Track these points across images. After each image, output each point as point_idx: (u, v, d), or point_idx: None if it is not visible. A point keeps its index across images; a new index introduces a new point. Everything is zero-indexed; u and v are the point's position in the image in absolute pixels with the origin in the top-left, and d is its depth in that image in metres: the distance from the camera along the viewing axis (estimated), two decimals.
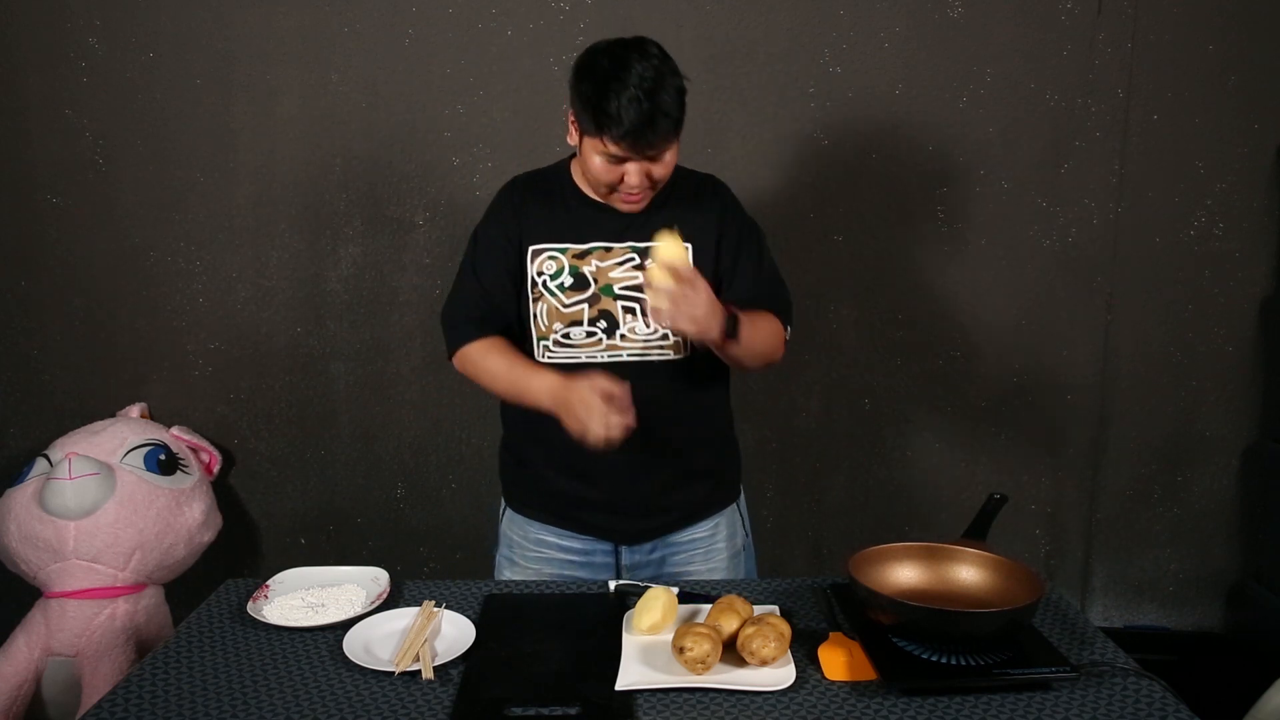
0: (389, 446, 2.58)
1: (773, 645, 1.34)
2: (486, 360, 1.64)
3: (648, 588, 1.50)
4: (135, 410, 2.51)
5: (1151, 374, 2.53)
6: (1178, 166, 2.44)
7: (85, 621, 2.23)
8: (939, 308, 2.50)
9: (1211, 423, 2.56)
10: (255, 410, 2.57)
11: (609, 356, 1.62)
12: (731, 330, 1.52)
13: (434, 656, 1.39)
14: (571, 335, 1.62)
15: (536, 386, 1.57)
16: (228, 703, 1.30)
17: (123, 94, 2.42)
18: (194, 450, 2.47)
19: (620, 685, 1.31)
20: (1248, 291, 2.50)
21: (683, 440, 1.70)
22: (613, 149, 1.49)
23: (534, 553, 1.76)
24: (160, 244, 2.49)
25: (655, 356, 1.63)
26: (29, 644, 2.24)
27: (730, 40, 2.38)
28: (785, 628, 1.38)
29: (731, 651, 1.37)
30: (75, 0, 2.37)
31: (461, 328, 1.67)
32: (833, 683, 1.34)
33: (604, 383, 1.46)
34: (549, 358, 1.64)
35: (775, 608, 1.52)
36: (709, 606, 1.48)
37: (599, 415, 1.44)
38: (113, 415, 2.51)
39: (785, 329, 1.71)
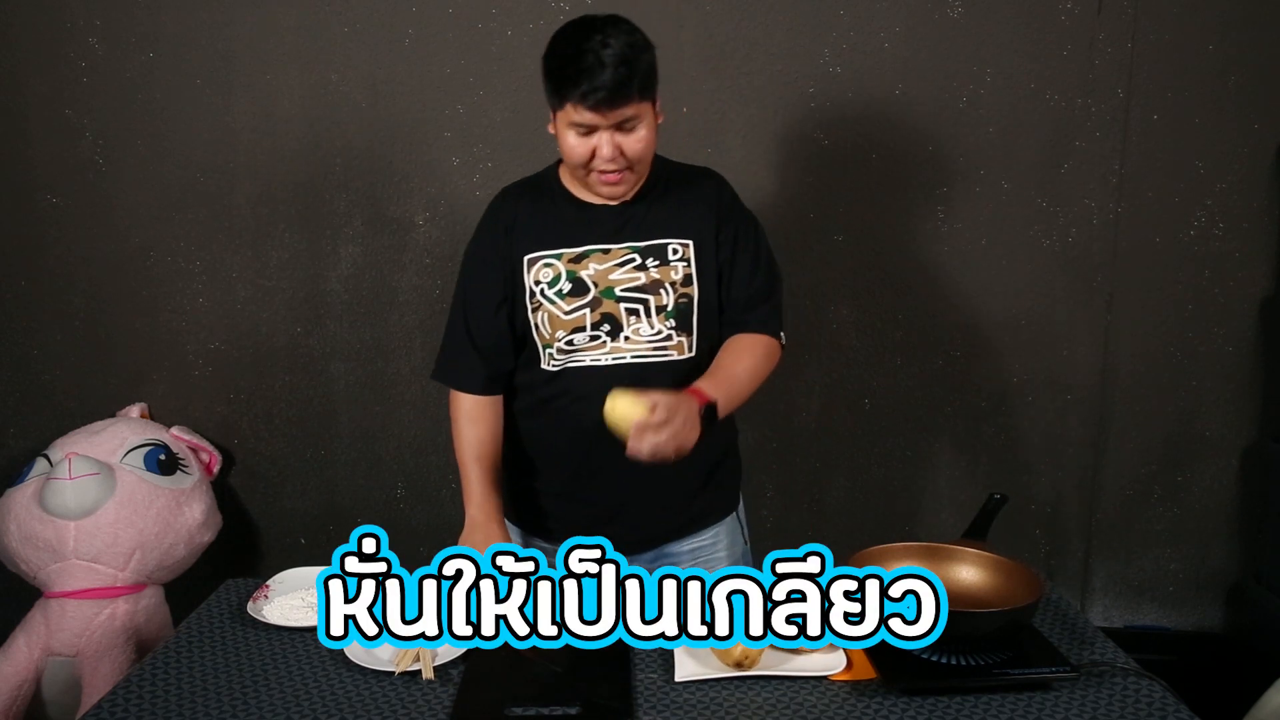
0: (389, 446, 2.58)
1: None
2: (466, 428, 1.65)
3: None
4: (135, 410, 2.51)
5: (1151, 374, 2.53)
6: (1178, 166, 2.43)
7: (85, 621, 2.23)
8: (939, 308, 2.50)
9: (1211, 423, 2.56)
10: (255, 410, 2.57)
11: (613, 359, 1.59)
12: (710, 421, 1.48)
13: (434, 656, 1.39)
14: (575, 341, 1.59)
15: (476, 499, 1.60)
16: (228, 703, 1.30)
17: (123, 94, 2.42)
18: (194, 450, 2.47)
19: (680, 677, 1.34)
20: (1248, 291, 2.49)
21: (667, 482, 1.63)
22: (578, 116, 1.47)
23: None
24: (160, 244, 2.49)
25: (660, 357, 1.60)
26: (29, 644, 2.24)
27: (730, 40, 2.38)
28: None
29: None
30: (75, 0, 2.37)
31: (460, 362, 1.66)
32: (833, 683, 1.34)
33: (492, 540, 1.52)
34: (554, 365, 1.62)
35: None
36: None
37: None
38: (113, 415, 2.51)
39: (779, 335, 1.68)
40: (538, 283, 1.59)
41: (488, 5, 2.36)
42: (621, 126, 1.49)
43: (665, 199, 1.62)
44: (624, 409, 1.41)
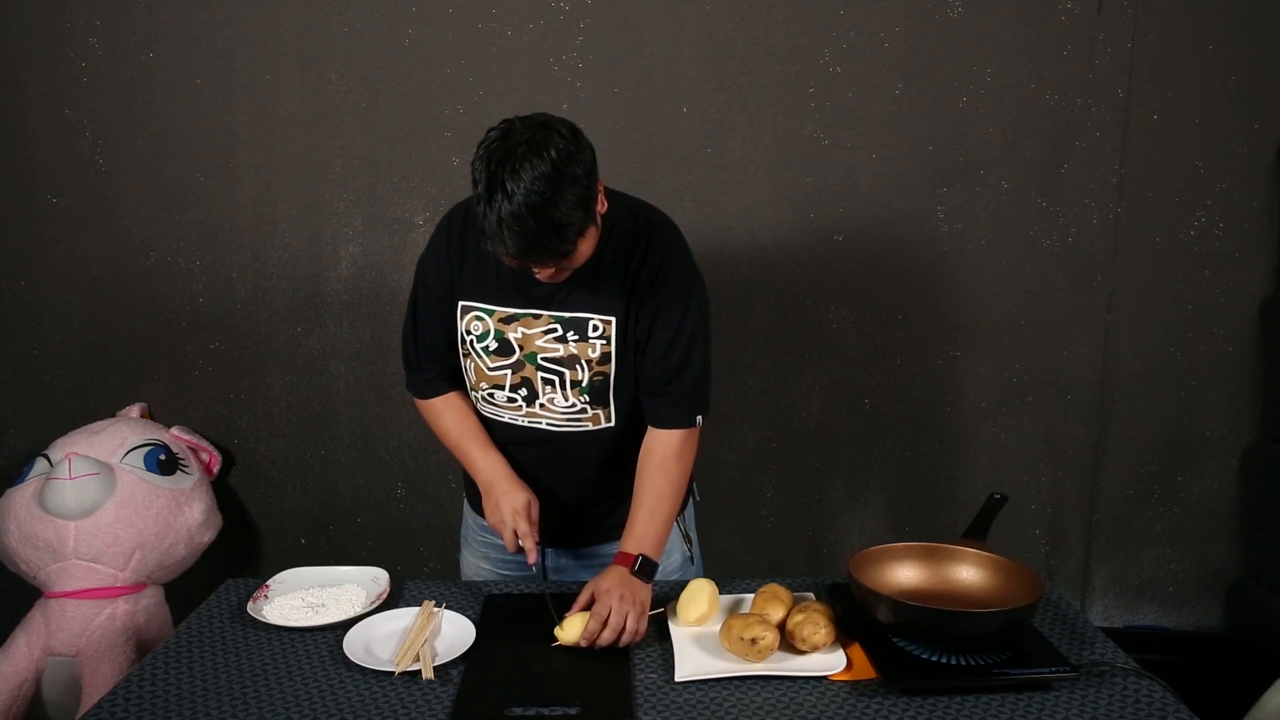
0: (389, 446, 2.58)
1: (823, 631, 1.39)
2: (440, 420, 1.69)
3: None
4: (135, 410, 2.51)
5: (1151, 374, 2.53)
6: (1178, 166, 2.43)
7: (85, 621, 2.23)
8: (939, 308, 2.50)
9: (1211, 423, 2.56)
10: (255, 410, 2.57)
11: (528, 422, 1.61)
12: (651, 571, 1.51)
13: (434, 656, 1.39)
14: (495, 396, 1.61)
15: (481, 465, 1.64)
16: (228, 703, 1.30)
17: (123, 94, 2.42)
18: (194, 450, 2.47)
19: (680, 676, 1.34)
20: (1248, 291, 2.50)
21: (607, 495, 1.68)
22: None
23: (481, 538, 1.80)
24: (160, 244, 2.49)
25: (575, 428, 1.60)
26: (29, 644, 2.24)
27: (730, 40, 2.38)
28: (830, 613, 1.42)
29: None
30: (75, 0, 2.37)
31: (416, 378, 1.69)
32: (833, 683, 1.34)
33: (524, 506, 1.57)
34: (480, 410, 1.66)
35: (811, 595, 1.57)
36: (751, 596, 1.53)
37: (509, 530, 1.58)
38: (113, 415, 2.51)
39: (693, 421, 1.59)
40: (469, 332, 1.59)
41: (488, 5, 2.36)
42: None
43: (598, 269, 1.52)
44: (572, 633, 1.42)
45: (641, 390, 1.59)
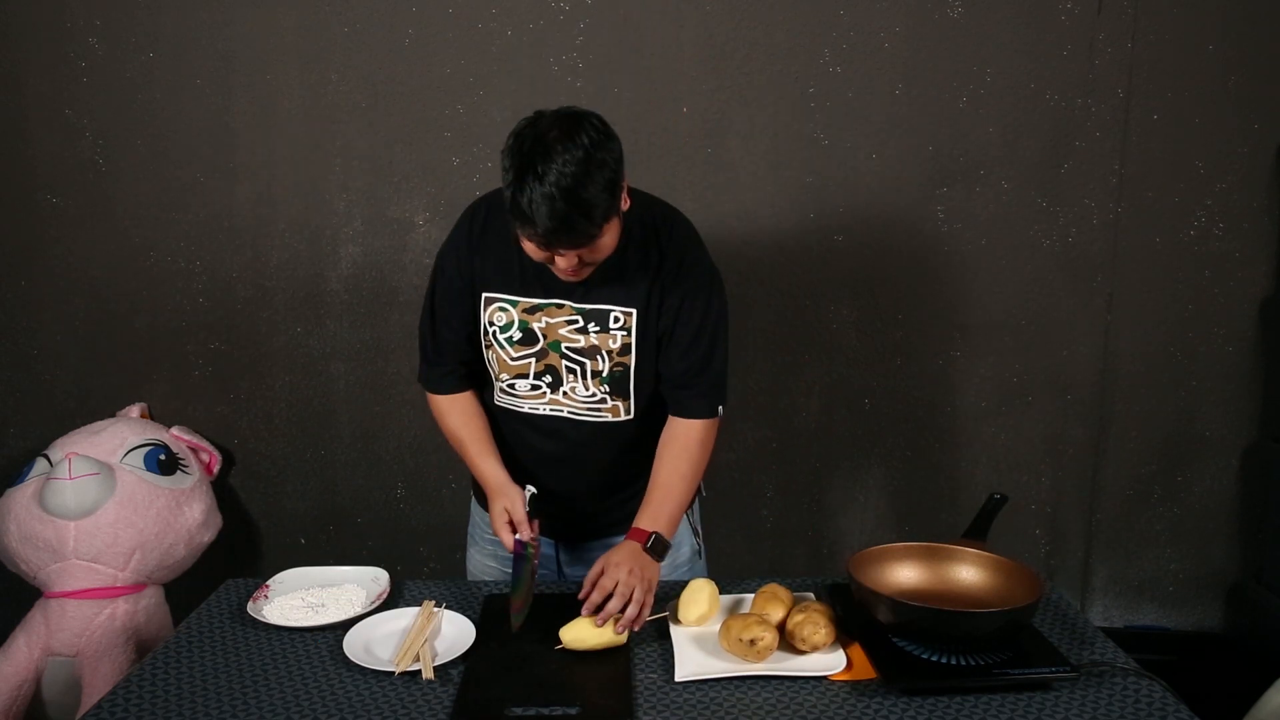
0: (389, 446, 2.58)
1: (823, 631, 1.39)
2: (445, 419, 1.71)
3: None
4: (135, 410, 2.51)
5: (1151, 374, 2.53)
6: (1178, 166, 2.44)
7: (85, 621, 2.23)
8: (939, 308, 2.50)
9: (1211, 423, 2.56)
10: (255, 410, 2.57)
11: (551, 410, 1.62)
12: (663, 549, 1.54)
13: (434, 656, 1.39)
14: (517, 386, 1.62)
15: (484, 472, 1.65)
16: (228, 703, 1.30)
17: (123, 94, 2.42)
18: (194, 450, 2.47)
19: (680, 676, 1.34)
20: (1248, 291, 2.50)
21: (622, 487, 1.70)
22: (531, 244, 1.41)
23: (488, 535, 1.79)
24: (160, 244, 2.49)
25: (594, 418, 1.62)
26: (29, 644, 2.24)
27: (730, 40, 2.38)
28: (830, 613, 1.42)
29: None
30: (75, 0, 2.37)
31: (431, 371, 1.71)
32: (833, 683, 1.35)
33: (514, 507, 1.57)
34: (500, 401, 1.67)
35: (811, 595, 1.57)
36: (751, 596, 1.53)
37: (503, 528, 1.57)
38: (113, 415, 2.51)
39: (716, 411, 1.64)
40: (491, 323, 1.60)
41: (488, 5, 2.36)
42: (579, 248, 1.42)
43: (620, 263, 1.54)
44: (577, 635, 1.42)
45: (667, 383, 1.61)
